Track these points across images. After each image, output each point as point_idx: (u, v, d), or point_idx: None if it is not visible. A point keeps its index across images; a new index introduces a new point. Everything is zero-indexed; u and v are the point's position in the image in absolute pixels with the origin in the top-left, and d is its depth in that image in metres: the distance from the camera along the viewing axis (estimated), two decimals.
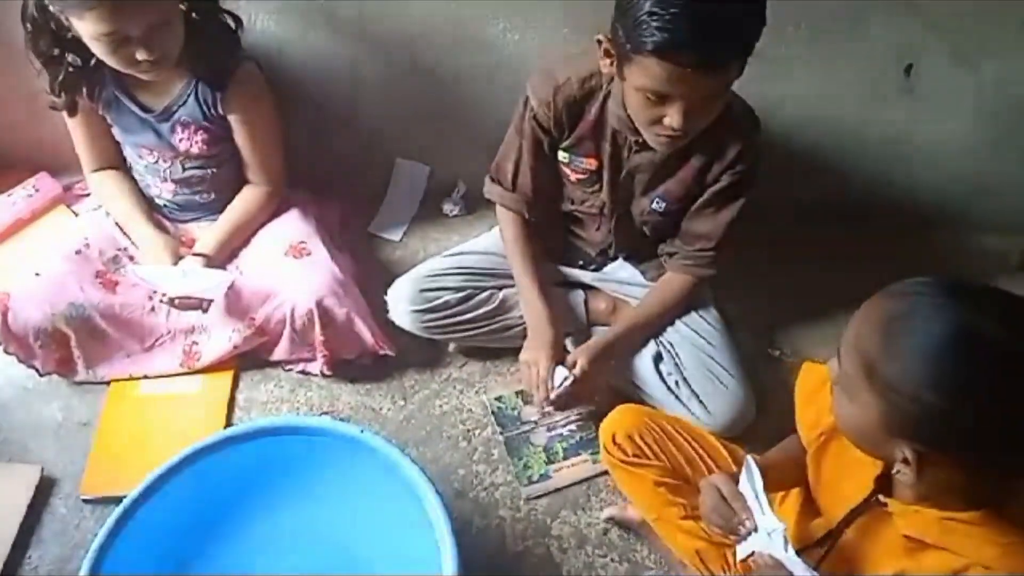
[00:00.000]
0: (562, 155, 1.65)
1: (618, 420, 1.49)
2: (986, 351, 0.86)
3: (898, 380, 0.89)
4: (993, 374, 0.85)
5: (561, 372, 1.61)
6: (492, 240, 1.85)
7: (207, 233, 1.84)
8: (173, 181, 1.85)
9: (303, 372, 1.84)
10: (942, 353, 0.86)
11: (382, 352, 1.80)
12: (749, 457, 1.16)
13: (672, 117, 1.35)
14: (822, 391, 1.18)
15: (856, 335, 0.94)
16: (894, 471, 0.96)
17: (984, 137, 2.02)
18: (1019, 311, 0.87)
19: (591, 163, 1.63)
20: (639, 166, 1.60)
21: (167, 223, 1.92)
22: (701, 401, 1.63)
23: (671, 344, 1.71)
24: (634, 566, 1.54)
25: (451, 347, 1.89)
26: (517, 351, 1.81)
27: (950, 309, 0.88)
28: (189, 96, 1.73)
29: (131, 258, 1.85)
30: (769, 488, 1.15)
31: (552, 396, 1.61)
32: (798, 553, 1.08)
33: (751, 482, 1.15)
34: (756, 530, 1.11)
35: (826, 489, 1.21)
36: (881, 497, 1.06)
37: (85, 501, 1.63)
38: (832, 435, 1.17)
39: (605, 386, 1.72)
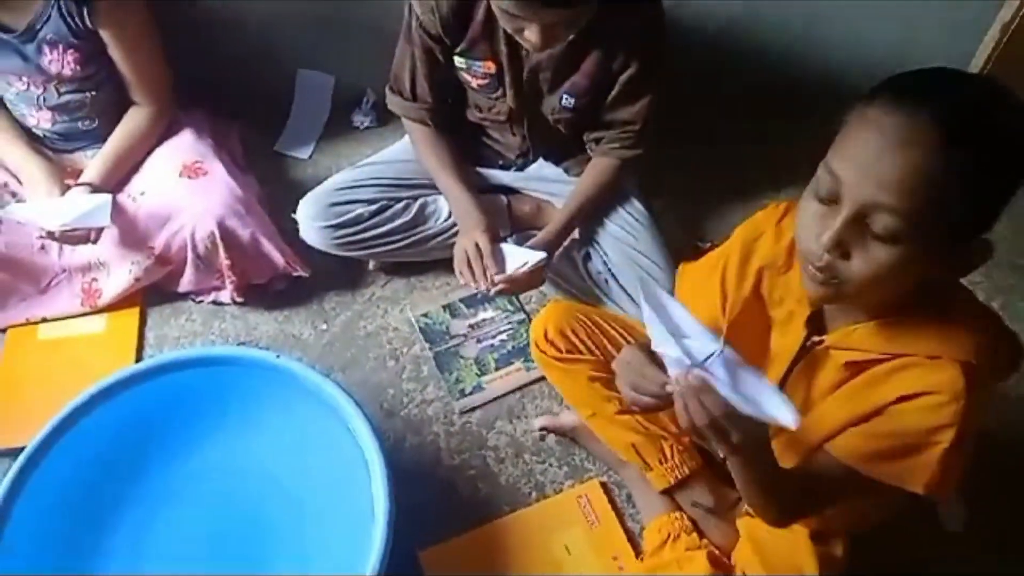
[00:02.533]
0: (458, 61, 1.56)
1: (549, 316, 1.42)
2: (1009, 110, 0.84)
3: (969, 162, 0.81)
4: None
5: (519, 253, 1.53)
6: (405, 148, 1.75)
7: (91, 161, 1.70)
8: (49, 108, 1.70)
9: (215, 302, 1.74)
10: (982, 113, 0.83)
11: (296, 274, 1.71)
12: (643, 287, 0.96)
13: (530, 34, 1.33)
14: (709, 282, 1.17)
15: (895, 164, 0.83)
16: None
17: (902, 9, 1.97)
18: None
19: (489, 66, 1.54)
20: (540, 64, 1.52)
21: (50, 155, 1.76)
22: (630, 296, 1.59)
23: (598, 242, 1.66)
24: (573, 469, 1.51)
25: (371, 265, 1.80)
26: (440, 264, 1.75)
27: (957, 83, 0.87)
28: (52, 10, 1.56)
29: (13, 195, 1.71)
30: None
31: (517, 274, 1.51)
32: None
33: (659, 315, 0.93)
34: (688, 368, 0.90)
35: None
36: (816, 338, 1.03)
37: None
38: (740, 316, 1.14)
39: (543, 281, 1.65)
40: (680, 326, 0.93)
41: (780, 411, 0.86)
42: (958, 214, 0.83)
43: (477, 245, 1.53)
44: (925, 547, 1.39)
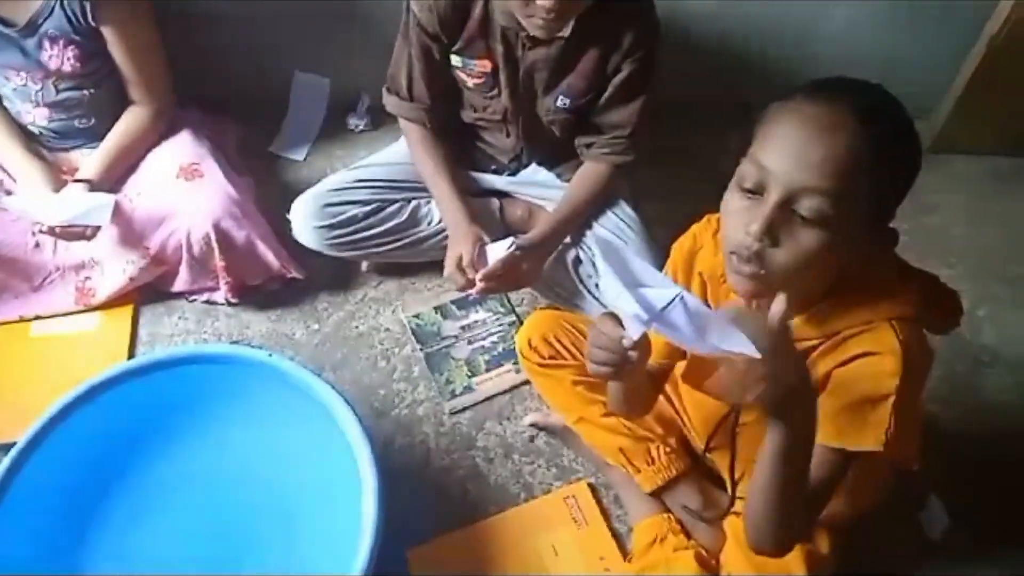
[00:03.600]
0: (455, 60, 1.57)
1: (533, 324, 1.46)
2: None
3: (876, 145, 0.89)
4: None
5: (500, 247, 1.54)
6: (399, 150, 1.76)
7: (89, 158, 1.70)
8: (47, 105, 1.70)
9: (208, 302, 1.75)
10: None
11: (290, 275, 1.72)
12: (599, 243, 0.94)
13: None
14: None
15: (819, 150, 0.88)
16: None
17: (890, 24, 2.00)
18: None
19: (485, 65, 1.55)
20: (536, 63, 1.53)
21: (45, 153, 1.77)
22: None
23: (588, 246, 1.68)
24: (562, 470, 1.52)
25: (364, 266, 1.82)
26: (433, 266, 1.76)
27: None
28: (54, 6, 1.57)
29: (8, 193, 1.72)
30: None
31: (496, 267, 1.53)
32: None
33: (617, 272, 0.88)
34: (646, 322, 0.87)
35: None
36: None
37: None
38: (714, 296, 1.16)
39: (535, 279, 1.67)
40: (640, 278, 0.91)
41: (744, 346, 0.85)
42: (873, 196, 0.90)
43: (463, 255, 1.56)
44: (909, 557, 1.41)
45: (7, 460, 1.31)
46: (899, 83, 1.89)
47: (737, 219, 0.93)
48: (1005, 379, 1.69)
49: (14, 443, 1.33)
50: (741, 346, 0.85)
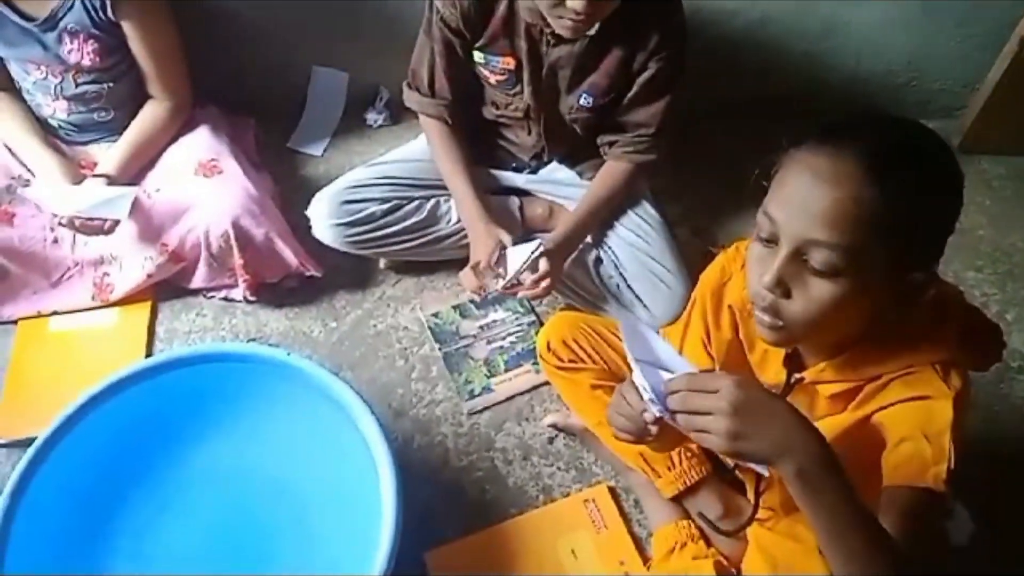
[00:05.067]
0: (477, 56, 1.56)
1: (553, 327, 1.45)
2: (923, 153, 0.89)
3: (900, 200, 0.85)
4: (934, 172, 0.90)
5: (522, 250, 1.52)
6: (419, 147, 1.75)
7: (109, 153, 1.70)
8: (66, 98, 1.70)
9: (226, 299, 1.74)
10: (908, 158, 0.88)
11: (308, 273, 1.71)
12: (623, 321, 1.00)
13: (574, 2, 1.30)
14: (690, 331, 1.20)
15: (832, 204, 0.86)
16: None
17: (920, 21, 1.97)
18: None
19: (508, 62, 1.54)
20: (559, 61, 1.51)
21: (64, 146, 1.76)
22: (642, 301, 1.58)
23: (610, 247, 1.66)
24: (581, 473, 1.51)
25: (382, 264, 1.80)
26: (451, 264, 1.75)
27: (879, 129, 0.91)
28: (75, 0, 1.57)
29: (27, 186, 1.71)
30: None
31: (520, 270, 1.52)
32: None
33: (636, 347, 0.91)
34: (664, 405, 0.87)
35: None
36: (796, 375, 1.05)
37: (0, 445, 1.53)
38: (725, 359, 1.17)
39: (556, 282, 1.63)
40: (660, 358, 0.94)
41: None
42: (892, 245, 0.86)
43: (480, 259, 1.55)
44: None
45: (28, 455, 1.30)
46: (928, 81, 1.89)
47: (755, 267, 0.94)
48: None
49: (33, 438, 1.33)
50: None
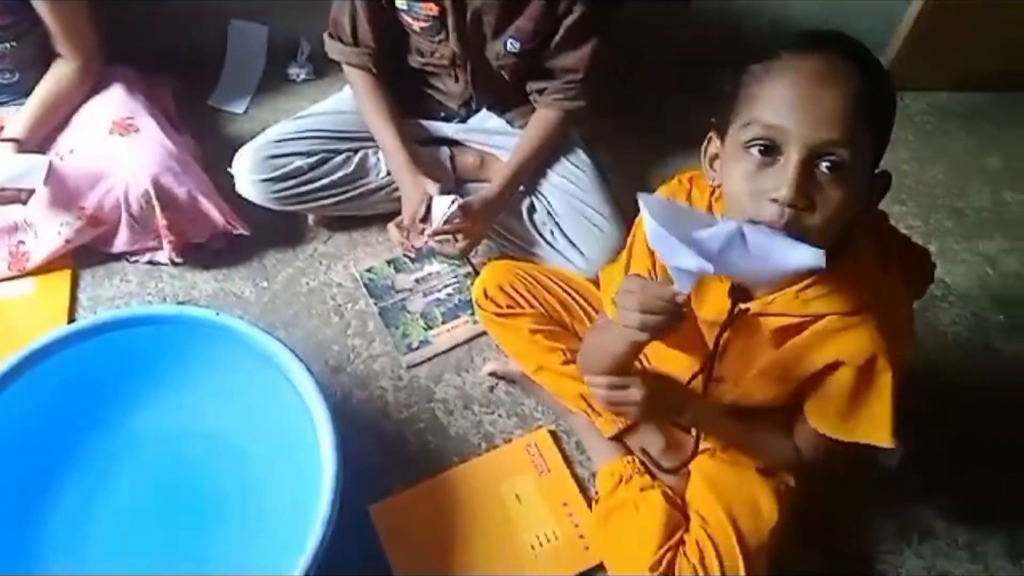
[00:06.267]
0: (400, 2, 1.52)
1: (488, 275, 1.43)
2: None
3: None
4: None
5: (444, 201, 1.51)
6: (345, 99, 1.70)
7: (15, 116, 1.61)
8: None
9: (151, 262, 1.69)
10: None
11: (236, 232, 1.66)
12: (641, 197, 0.91)
13: None
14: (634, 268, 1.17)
15: (831, 100, 0.87)
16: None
17: None
18: None
19: (431, 8, 1.51)
20: (483, 7, 1.49)
21: None
22: (576, 246, 1.58)
23: (542, 194, 1.65)
24: (522, 419, 1.51)
25: (311, 220, 1.77)
26: (383, 218, 1.72)
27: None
28: None
29: None
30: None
31: (440, 225, 1.50)
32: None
33: (662, 223, 0.87)
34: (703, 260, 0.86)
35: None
36: (741, 305, 1.05)
37: None
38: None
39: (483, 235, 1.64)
40: (688, 224, 0.89)
41: (810, 254, 0.86)
42: (876, 138, 0.91)
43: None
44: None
45: None
46: (848, 19, 1.89)
47: (753, 186, 0.90)
48: (957, 310, 1.72)
49: None
50: (810, 256, 0.85)
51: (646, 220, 0.87)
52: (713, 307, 1.10)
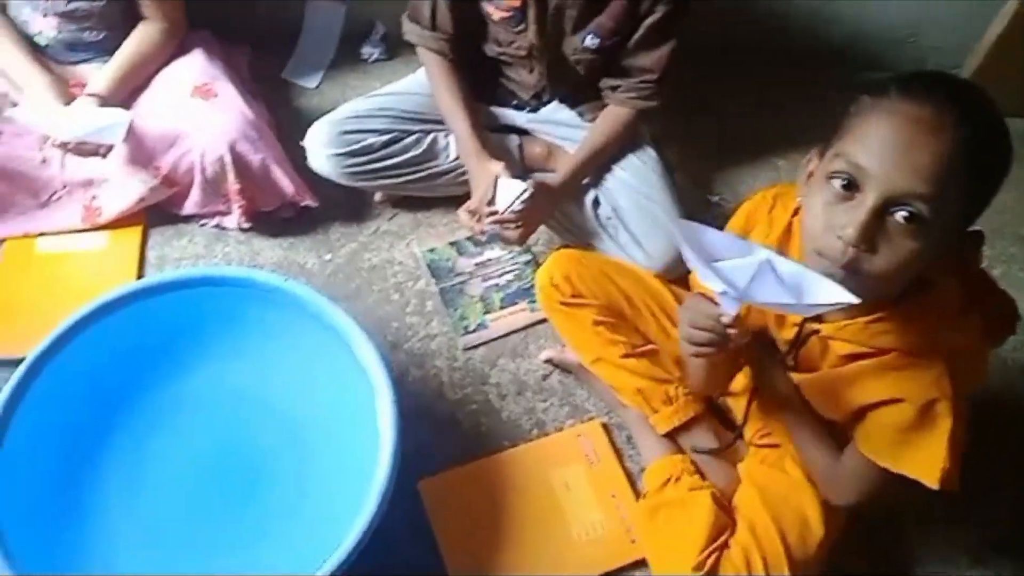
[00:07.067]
0: None
1: (555, 264, 1.44)
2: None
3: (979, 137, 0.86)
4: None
5: (512, 185, 1.51)
6: (418, 81, 1.72)
7: (99, 72, 1.65)
8: (56, 15, 1.65)
9: (219, 227, 1.72)
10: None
11: (303, 203, 1.69)
12: (678, 226, 0.93)
13: None
14: None
15: (925, 155, 0.85)
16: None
17: None
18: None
19: (514, 0, 1.51)
20: (567, 2, 1.50)
21: (53, 66, 1.71)
22: (639, 243, 1.58)
23: (608, 188, 1.65)
24: (574, 409, 1.52)
25: (378, 197, 1.79)
26: (448, 201, 1.74)
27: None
28: None
29: (13, 104, 1.67)
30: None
31: (509, 210, 1.50)
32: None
33: (696, 250, 0.90)
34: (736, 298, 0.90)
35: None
36: (813, 325, 1.06)
37: None
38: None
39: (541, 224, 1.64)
40: (720, 252, 0.92)
41: (838, 294, 0.86)
42: (968, 199, 0.88)
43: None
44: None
45: (18, 372, 1.28)
46: (927, 38, 1.88)
47: (826, 218, 0.90)
48: (1019, 337, 1.68)
49: (19, 358, 1.31)
50: (837, 295, 0.86)
51: (680, 245, 0.90)
52: (786, 325, 1.11)
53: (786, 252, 1.08)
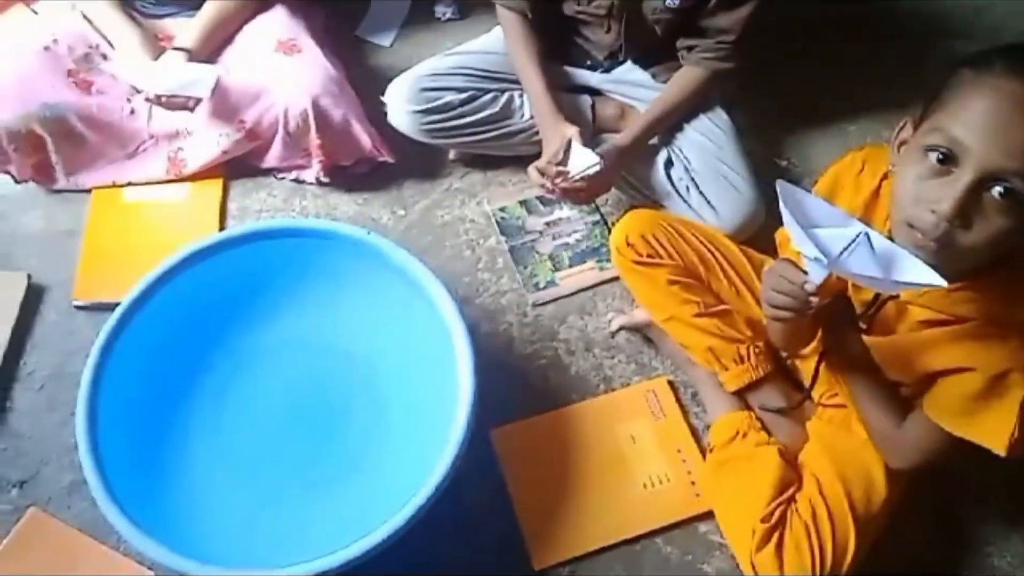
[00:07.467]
0: None
1: (631, 222, 1.46)
2: None
3: None
4: None
5: (585, 154, 1.53)
6: (494, 40, 1.74)
7: (186, 26, 1.69)
8: None
9: (297, 180, 1.77)
10: None
11: (381, 159, 1.73)
12: (779, 184, 0.95)
13: None
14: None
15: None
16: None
17: None
18: None
19: None
20: None
21: (141, 19, 1.76)
22: (711, 204, 1.60)
23: (680, 149, 1.66)
24: (641, 367, 1.55)
25: (451, 155, 1.82)
26: (519, 160, 1.76)
27: None
28: None
29: (104, 56, 1.72)
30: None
31: (578, 175, 1.52)
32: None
33: (795, 215, 0.91)
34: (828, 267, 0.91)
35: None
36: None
37: (77, 307, 1.58)
38: None
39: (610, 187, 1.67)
40: (818, 219, 0.93)
41: (928, 276, 0.88)
42: None
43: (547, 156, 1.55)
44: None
45: (112, 320, 1.34)
46: (1002, 4, 1.80)
47: (920, 190, 0.91)
48: None
49: (112, 303, 1.38)
50: (924, 277, 0.87)
51: (782, 207, 0.91)
52: (858, 291, 1.13)
53: (871, 217, 1.10)
